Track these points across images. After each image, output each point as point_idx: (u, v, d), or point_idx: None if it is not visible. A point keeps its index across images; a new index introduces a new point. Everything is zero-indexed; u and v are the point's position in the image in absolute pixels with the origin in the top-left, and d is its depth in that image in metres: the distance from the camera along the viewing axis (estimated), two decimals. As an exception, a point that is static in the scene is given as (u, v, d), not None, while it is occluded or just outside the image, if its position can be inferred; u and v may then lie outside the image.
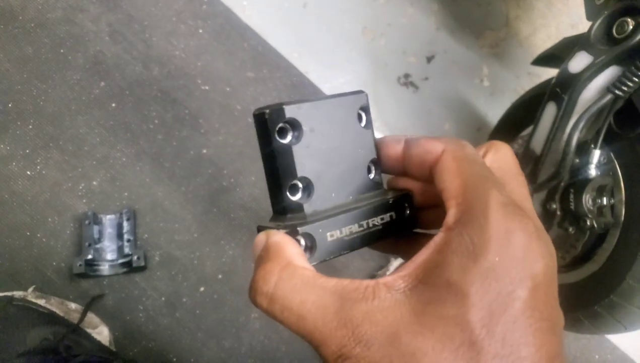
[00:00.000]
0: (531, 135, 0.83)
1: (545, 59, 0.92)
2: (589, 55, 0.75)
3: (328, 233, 0.27)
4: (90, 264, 0.88)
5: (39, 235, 0.90)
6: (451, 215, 0.24)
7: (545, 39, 1.24)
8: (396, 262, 0.97)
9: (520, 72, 1.23)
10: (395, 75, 1.18)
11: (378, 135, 1.14)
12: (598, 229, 0.79)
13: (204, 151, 1.01)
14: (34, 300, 0.80)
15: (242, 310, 0.93)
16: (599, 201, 0.78)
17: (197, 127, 1.03)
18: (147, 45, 1.05)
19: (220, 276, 0.94)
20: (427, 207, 0.31)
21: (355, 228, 0.28)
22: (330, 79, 1.13)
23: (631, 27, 0.70)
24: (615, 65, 0.74)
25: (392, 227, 0.29)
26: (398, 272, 0.23)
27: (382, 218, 0.29)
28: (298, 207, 0.27)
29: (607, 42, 0.74)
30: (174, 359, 0.88)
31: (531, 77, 1.22)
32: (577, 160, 0.80)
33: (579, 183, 0.80)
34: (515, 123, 0.98)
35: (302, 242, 0.26)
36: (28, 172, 0.93)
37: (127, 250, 0.89)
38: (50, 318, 0.80)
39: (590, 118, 0.74)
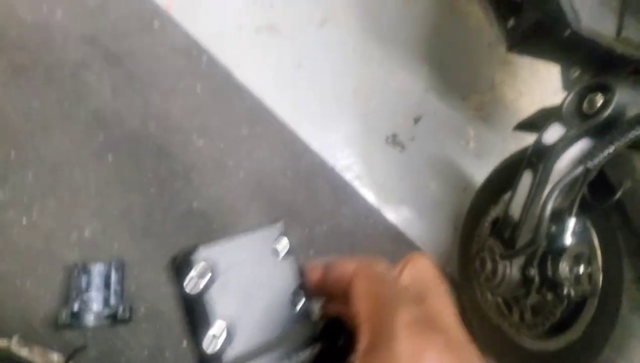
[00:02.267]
0: (509, 201, 0.85)
1: (525, 126, 0.95)
2: (562, 128, 0.78)
3: None
4: (76, 316, 0.89)
5: (28, 284, 0.92)
6: (363, 342, 0.24)
7: (530, 104, 1.27)
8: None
9: (507, 134, 1.26)
10: (383, 135, 1.22)
11: (367, 193, 1.13)
12: (575, 297, 0.79)
13: (195, 204, 1.04)
14: (16, 351, 0.81)
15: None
16: (576, 269, 0.79)
17: (189, 181, 1.06)
18: (146, 101, 1.10)
19: (203, 330, 0.95)
20: None
21: None
22: (321, 137, 1.17)
23: (600, 103, 0.74)
24: (588, 138, 0.77)
25: (325, 358, 0.28)
26: None
27: (311, 351, 0.28)
28: (216, 359, 0.25)
29: (579, 115, 0.77)
30: (152, 415, 0.88)
31: (518, 140, 1.24)
32: (554, 228, 0.81)
33: (556, 250, 0.81)
34: (498, 186, 1.00)
35: None
36: (24, 221, 0.96)
37: (113, 301, 0.91)
38: (30, 369, 0.80)
39: (564, 188, 0.76)
